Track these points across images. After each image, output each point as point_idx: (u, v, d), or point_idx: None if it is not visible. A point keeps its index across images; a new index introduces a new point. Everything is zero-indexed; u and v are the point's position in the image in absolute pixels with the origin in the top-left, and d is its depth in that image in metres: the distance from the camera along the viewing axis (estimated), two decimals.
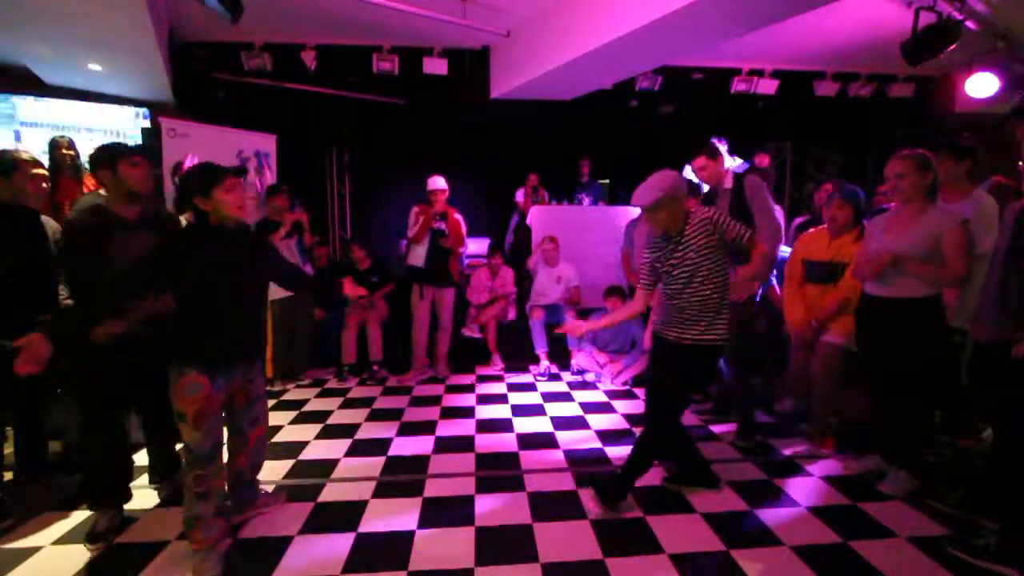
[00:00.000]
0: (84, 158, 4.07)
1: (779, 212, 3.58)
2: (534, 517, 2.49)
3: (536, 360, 4.91)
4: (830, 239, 3.17)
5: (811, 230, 3.40)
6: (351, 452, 3.25)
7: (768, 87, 6.28)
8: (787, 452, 3.17)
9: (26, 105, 5.07)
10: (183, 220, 3.89)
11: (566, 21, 4.74)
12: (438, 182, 4.57)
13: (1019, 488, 2.10)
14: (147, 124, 5.48)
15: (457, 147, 6.80)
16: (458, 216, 4.71)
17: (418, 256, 4.62)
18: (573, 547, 2.26)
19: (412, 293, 4.69)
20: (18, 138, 4.98)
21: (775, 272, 3.53)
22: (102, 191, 3.42)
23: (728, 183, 3.21)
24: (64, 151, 3.89)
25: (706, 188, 5.48)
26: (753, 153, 5.95)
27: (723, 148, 5.55)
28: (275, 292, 4.42)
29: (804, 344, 3.23)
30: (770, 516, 2.49)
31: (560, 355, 4.86)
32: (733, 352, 3.19)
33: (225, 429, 2.30)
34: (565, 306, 4.97)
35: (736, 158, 5.38)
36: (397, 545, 2.29)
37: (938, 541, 2.25)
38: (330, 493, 2.75)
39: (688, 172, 5.38)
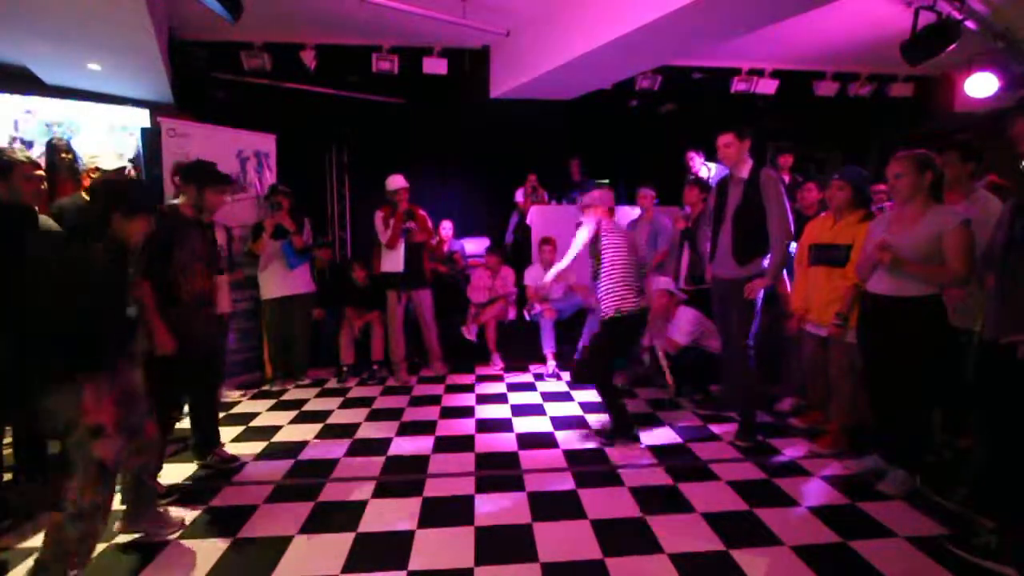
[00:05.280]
0: (82, 159, 4.09)
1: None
2: (534, 517, 2.49)
3: (540, 359, 4.91)
4: (833, 221, 3.19)
5: (820, 215, 3.44)
6: (351, 452, 3.25)
7: (768, 87, 6.28)
8: (788, 452, 3.17)
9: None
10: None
11: (566, 21, 4.73)
12: (399, 180, 4.51)
13: (1018, 487, 2.10)
14: None
15: (457, 147, 6.79)
16: (422, 211, 4.67)
17: (396, 261, 4.53)
18: (573, 547, 2.26)
19: (388, 299, 4.60)
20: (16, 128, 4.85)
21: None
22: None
23: (744, 172, 3.19)
24: (63, 155, 3.90)
25: (706, 173, 5.41)
26: (776, 154, 5.92)
27: (699, 159, 5.52)
28: (267, 292, 4.46)
29: (815, 338, 3.25)
30: (770, 516, 2.49)
31: (566, 356, 4.85)
32: (748, 348, 3.21)
33: None
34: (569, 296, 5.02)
35: (713, 168, 5.35)
36: (397, 545, 2.29)
37: (938, 540, 2.24)
38: (330, 493, 2.75)
39: (696, 163, 5.38)
